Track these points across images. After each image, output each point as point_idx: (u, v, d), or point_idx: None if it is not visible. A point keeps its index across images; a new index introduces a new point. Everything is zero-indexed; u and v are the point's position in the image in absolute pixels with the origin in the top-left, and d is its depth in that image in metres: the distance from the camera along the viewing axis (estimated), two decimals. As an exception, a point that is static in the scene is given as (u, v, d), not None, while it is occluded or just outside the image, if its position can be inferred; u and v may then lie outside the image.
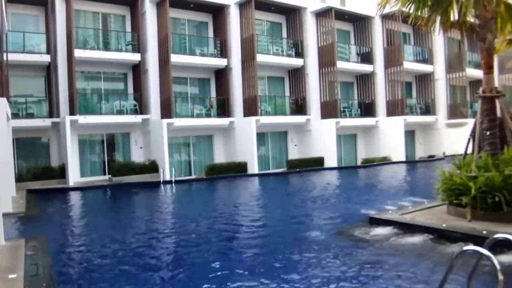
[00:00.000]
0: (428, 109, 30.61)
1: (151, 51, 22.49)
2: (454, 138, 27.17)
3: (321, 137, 25.75)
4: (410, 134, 29.94)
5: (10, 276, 6.30)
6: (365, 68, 28.33)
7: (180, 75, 23.29)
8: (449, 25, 10.38)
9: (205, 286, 6.55)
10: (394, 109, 28.60)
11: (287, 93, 26.86)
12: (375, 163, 26.54)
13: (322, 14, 26.81)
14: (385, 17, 27.99)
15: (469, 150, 10.20)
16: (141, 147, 22.71)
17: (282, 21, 27.05)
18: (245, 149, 23.32)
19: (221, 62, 23.82)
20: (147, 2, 22.42)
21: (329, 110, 26.43)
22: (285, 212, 13.05)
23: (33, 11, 20.78)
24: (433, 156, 29.41)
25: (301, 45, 26.26)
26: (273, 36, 26.28)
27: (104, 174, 21.70)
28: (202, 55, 23.44)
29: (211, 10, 24.37)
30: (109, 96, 22.07)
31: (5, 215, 9.48)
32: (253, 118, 23.19)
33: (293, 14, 26.55)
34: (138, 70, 22.35)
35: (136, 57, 21.90)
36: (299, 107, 26.34)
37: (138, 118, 21.86)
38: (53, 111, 20.65)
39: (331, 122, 25.60)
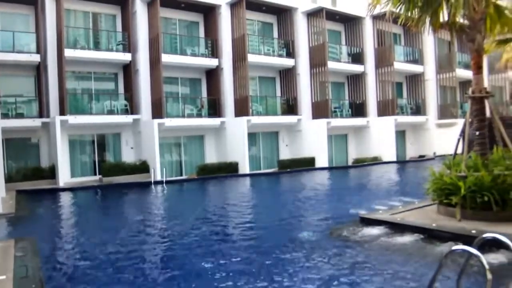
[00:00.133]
0: (419, 109, 30.82)
1: (142, 51, 22.39)
2: (444, 138, 27.42)
3: (312, 137, 25.82)
4: (400, 134, 30.13)
5: (-1, 277, 6.24)
6: (356, 68, 28.44)
7: (171, 75, 23.23)
8: (439, 26, 10.45)
9: (194, 286, 6.53)
10: (385, 109, 28.76)
11: (278, 93, 26.90)
12: (366, 163, 26.68)
13: (313, 15, 26.87)
14: (376, 18, 28.18)
15: (459, 150, 10.30)
16: (132, 147, 22.60)
17: (273, 21, 27.08)
18: (236, 149, 23.30)
19: (212, 62, 23.78)
20: (138, 2, 22.32)
21: (320, 110, 26.51)
22: (276, 212, 13.03)
23: (23, 10, 20.56)
24: (423, 156, 29.63)
25: (292, 45, 26.31)
26: (264, 36, 26.28)
27: (95, 174, 21.57)
28: (193, 55, 23.40)
29: (202, 10, 24.33)
30: (99, 96, 21.90)
31: (-6, 216, 9.39)
32: (244, 118, 23.20)
33: (284, 14, 26.58)
34: (128, 70, 22.25)
35: (127, 57, 21.79)
36: (290, 107, 26.38)
37: (129, 118, 21.76)
38: (43, 111, 20.44)
39: (322, 122, 25.68)
